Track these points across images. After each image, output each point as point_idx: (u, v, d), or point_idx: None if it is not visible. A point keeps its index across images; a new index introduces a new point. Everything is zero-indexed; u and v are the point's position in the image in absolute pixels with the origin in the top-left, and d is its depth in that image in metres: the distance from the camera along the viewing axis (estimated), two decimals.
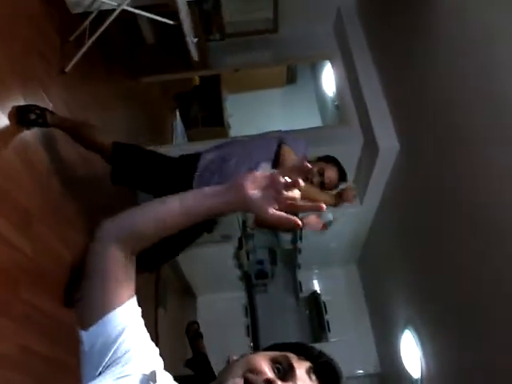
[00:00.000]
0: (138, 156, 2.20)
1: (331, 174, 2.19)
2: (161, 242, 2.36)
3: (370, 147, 3.49)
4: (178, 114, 5.36)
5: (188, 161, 2.20)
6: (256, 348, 4.67)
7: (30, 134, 2.03)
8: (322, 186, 2.18)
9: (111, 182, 2.19)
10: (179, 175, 2.15)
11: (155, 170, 2.18)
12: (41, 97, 2.15)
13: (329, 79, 5.04)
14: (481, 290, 2.39)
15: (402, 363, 3.70)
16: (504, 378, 2.25)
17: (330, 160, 2.24)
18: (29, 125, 1.97)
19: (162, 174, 2.17)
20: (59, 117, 2.15)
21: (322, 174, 2.17)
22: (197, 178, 2.12)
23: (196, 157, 2.19)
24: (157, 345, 3.12)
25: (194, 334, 2.76)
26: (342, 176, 2.23)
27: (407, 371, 3.60)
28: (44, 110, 2.03)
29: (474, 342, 2.56)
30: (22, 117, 1.93)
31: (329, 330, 4.67)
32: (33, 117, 1.97)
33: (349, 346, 4.63)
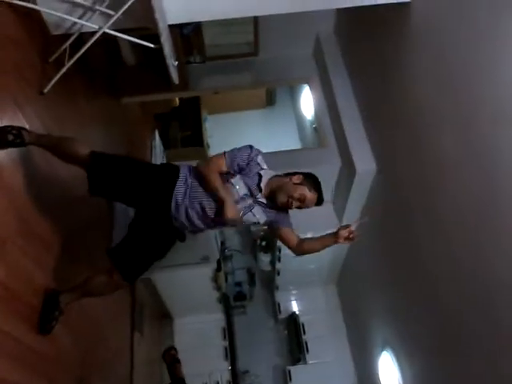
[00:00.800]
0: (115, 163, 2.16)
1: (310, 202, 2.19)
2: (138, 252, 2.31)
3: (348, 169, 3.55)
4: (157, 134, 5.35)
5: (170, 169, 2.20)
6: (234, 371, 4.60)
7: (4, 154, 1.99)
8: (297, 207, 2.21)
9: (89, 193, 2.14)
10: (160, 182, 2.14)
11: (134, 177, 2.15)
12: (17, 117, 2.12)
13: (307, 102, 5.14)
14: (459, 312, 2.42)
15: None
16: None
17: (313, 185, 2.21)
18: (5, 146, 1.94)
19: (142, 180, 2.15)
20: (36, 134, 2.12)
21: (302, 200, 2.16)
22: (178, 187, 2.12)
23: (177, 168, 2.20)
24: (132, 369, 3.13)
25: (171, 360, 2.70)
26: (319, 203, 2.24)
27: None
28: (20, 128, 2.00)
29: (451, 362, 2.58)
30: None
31: (307, 352, 4.65)
32: (10, 137, 1.93)
33: (327, 367, 4.62)
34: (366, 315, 4.18)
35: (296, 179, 2.19)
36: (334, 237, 2.15)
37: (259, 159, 2.20)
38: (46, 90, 2.39)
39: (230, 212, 2.04)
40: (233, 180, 2.14)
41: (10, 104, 2.08)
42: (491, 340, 2.14)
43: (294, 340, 4.84)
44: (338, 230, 2.16)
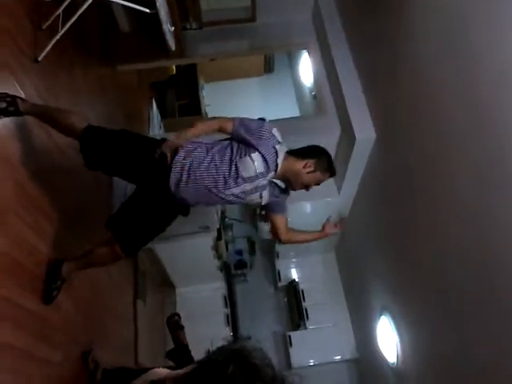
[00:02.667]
0: (109, 138, 2.09)
1: (325, 179, 2.24)
2: (139, 226, 2.29)
3: (347, 137, 3.53)
4: (154, 103, 5.29)
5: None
6: (235, 337, 4.70)
7: (1, 125, 1.97)
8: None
9: (86, 167, 2.11)
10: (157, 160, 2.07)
11: (129, 153, 2.08)
12: (12, 86, 2.08)
13: (306, 69, 5.06)
14: (455, 276, 2.45)
15: (378, 348, 3.80)
16: (478, 360, 2.33)
17: (326, 165, 2.18)
18: (0, 114, 1.91)
19: (138, 156, 2.09)
20: (31, 103, 2.08)
21: (318, 184, 2.22)
22: (175, 164, 2.06)
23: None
24: (136, 336, 3.20)
25: (175, 326, 2.75)
26: (333, 175, 2.28)
27: (383, 356, 3.70)
28: (15, 97, 1.97)
29: (448, 327, 2.63)
30: None
31: (307, 318, 4.74)
32: (3, 105, 1.90)
33: (327, 332, 4.72)
34: (364, 282, 4.25)
35: (308, 167, 2.14)
36: (322, 232, 2.42)
37: (274, 131, 2.14)
38: (40, 58, 2.34)
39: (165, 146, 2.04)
40: (253, 155, 2.05)
41: (5, 72, 2.05)
42: (489, 304, 2.17)
43: (294, 307, 4.93)
44: (323, 226, 2.46)
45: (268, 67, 6.73)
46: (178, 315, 2.87)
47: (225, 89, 6.53)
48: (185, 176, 2.06)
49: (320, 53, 4.08)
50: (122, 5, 2.45)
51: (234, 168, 2.05)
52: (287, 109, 6.01)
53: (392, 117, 3.04)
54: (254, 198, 2.14)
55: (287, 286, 5.10)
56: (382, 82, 3.15)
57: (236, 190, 2.08)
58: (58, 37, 2.39)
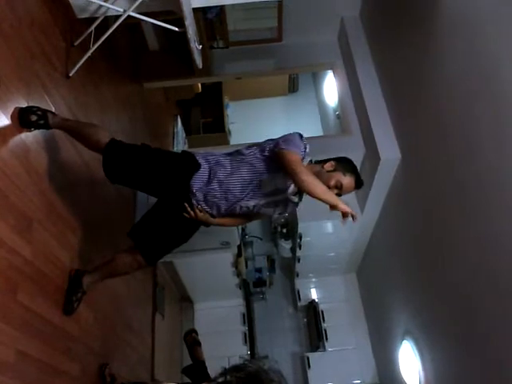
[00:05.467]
0: (131, 153, 2.12)
1: (348, 187, 2.06)
2: (160, 235, 2.27)
3: (372, 157, 3.50)
4: (179, 119, 5.37)
5: (190, 158, 2.14)
6: (252, 356, 4.63)
7: (31, 137, 2.02)
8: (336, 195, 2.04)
9: (109, 181, 2.14)
10: (178, 170, 2.09)
11: (150, 168, 2.10)
12: (44, 100, 2.15)
13: (331, 89, 5.07)
14: (481, 301, 2.38)
15: (400, 374, 3.68)
16: None
17: (348, 169, 2.08)
18: (30, 126, 1.96)
19: (160, 168, 2.10)
20: (61, 118, 2.14)
21: (339, 187, 2.03)
22: (196, 177, 2.07)
23: (195, 162, 2.12)
24: (153, 350, 3.20)
25: (192, 342, 2.74)
26: (358, 185, 2.11)
27: (405, 382, 3.58)
28: (46, 111, 2.02)
29: (473, 352, 2.55)
30: (23, 118, 1.92)
31: (326, 339, 4.65)
32: (34, 118, 1.96)
33: (346, 355, 4.62)
34: (386, 304, 4.15)
35: (328, 166, 2.06)
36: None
37: (308, 149, 2.09)
38: (71, 74, 2.41)
39: (348, 208, 1.83)
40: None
41: (37, 87, 2.11)
42: None
43: (313, 327, 4.85)
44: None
45: (292, 87, 6.78)
46: (196, 331, 2.86)
47: (249, 107, 6.59)
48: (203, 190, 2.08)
49: (345, 72, 4.09)
50: (152, 23, 2.51)
51: (256, 181, 2.05)
52: (311, 128, 6.01)
53: (418, 138, 3.00)
54: (267, 211, 2.15)
55: (307, 305, 5.03)
56: (407, 103, 3.13)
57: (251, 203, 2.08)
58: (89, 53, 2.47)
